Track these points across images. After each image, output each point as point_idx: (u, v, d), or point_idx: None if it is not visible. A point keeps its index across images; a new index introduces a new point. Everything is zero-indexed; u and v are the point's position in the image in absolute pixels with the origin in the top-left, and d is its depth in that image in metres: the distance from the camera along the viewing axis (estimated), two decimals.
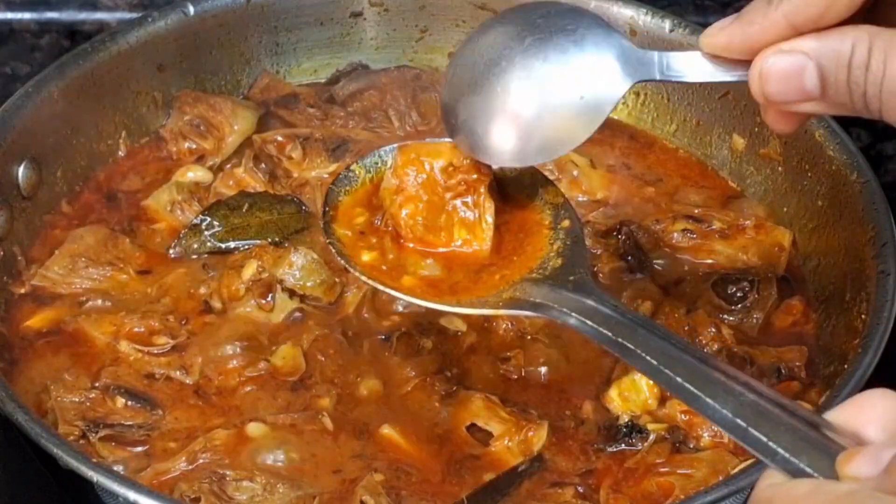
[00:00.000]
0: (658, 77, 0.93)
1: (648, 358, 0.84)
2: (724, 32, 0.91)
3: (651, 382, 1.10)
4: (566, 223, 1.01)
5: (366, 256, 1.01)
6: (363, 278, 1.00)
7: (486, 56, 0.96)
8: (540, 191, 1.04)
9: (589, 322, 0.90)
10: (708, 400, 0.78)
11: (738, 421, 0.75)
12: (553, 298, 0.94)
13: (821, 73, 0.87)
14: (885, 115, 0.86)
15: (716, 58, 0.92)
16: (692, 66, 0.93)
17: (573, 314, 0.91)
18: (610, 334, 0.88)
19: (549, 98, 0.94)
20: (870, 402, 0.70)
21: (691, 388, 0.79)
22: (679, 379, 0.80)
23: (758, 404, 0.75)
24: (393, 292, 0.99)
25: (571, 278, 0.96)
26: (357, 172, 1.05)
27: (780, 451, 0.71)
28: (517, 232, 1.02)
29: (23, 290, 1.20)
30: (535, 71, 0.94)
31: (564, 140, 0.95)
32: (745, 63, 0.91)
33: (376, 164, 1.05)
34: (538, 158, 0.97)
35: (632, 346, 0.86)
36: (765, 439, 0.73)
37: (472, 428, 1.09)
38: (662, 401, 1.10)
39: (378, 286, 0.99)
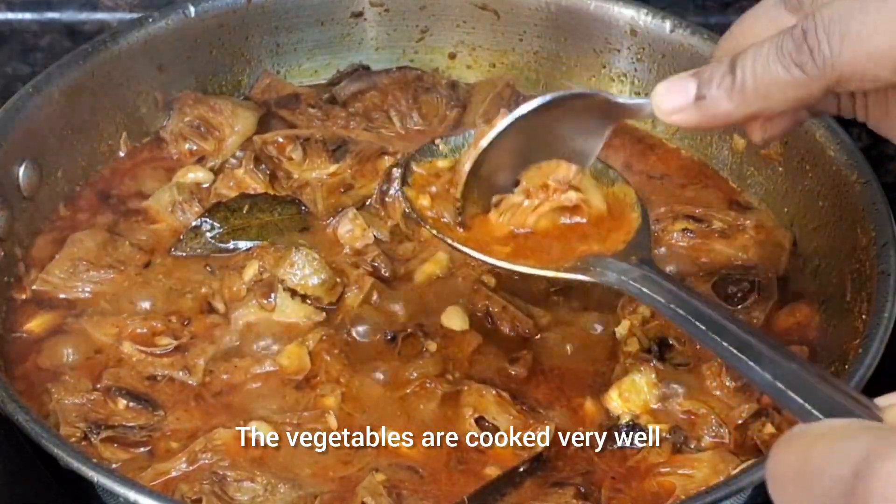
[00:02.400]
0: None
1: (698, 324, 0.91)
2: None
3: (651, 382, 1.11)
4: (634, 214, 1.06)
5: (423, 200, 1.05)
6: (434, 232, 1.04)
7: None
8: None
9: (646, 290, 0.97)
10: (751, 363, 0.84)
11: (778, 383, 0.81)
12: (615, 268, 1.00)
13: None
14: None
15: None
16: None
17: (631, 282, 0.98)
18: (663, 300, 0.95)
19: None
20: None
21: (735, 352, 0.86)
22: (725, 343, 0.87)
23: (798, 372, 0.80)
24: (459, 245, 1.03)
25: (633, 257, 1.01)
26: (440, 148, 1.08)
27: (816, 412, 0.76)
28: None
29: (24, 296, 1.19)
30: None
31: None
32: None
33: (461, 146, 1.07)
34: None
35: (683, 313, 0.92)
36: (801, 401, 0.77)
37: (478, 422, 1.09)
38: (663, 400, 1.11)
39: (448, 241, 1.04)
